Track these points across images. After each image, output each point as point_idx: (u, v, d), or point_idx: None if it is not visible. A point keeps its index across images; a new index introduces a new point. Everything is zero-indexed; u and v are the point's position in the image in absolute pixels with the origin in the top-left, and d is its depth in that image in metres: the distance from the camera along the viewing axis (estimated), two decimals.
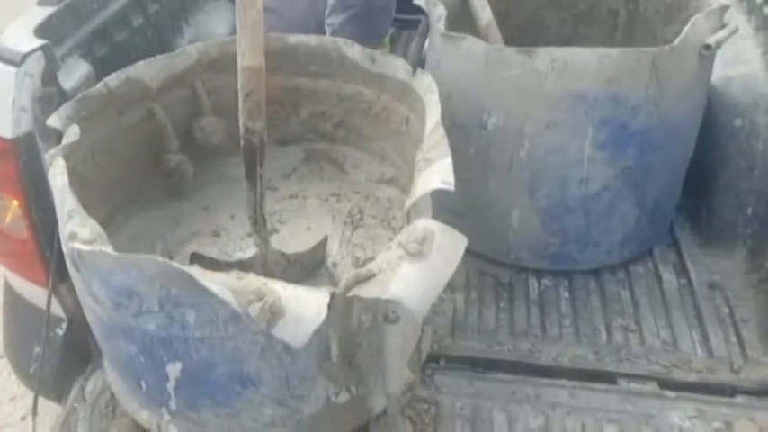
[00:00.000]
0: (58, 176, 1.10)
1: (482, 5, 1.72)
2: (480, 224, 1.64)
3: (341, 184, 1.59)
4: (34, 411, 1.35)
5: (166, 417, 1.22)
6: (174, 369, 1.10)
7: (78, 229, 1.02)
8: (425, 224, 1.06)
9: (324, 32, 1.87)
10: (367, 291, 1.00)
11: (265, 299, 0.94)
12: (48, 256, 1.30)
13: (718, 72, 1.71)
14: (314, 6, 1.85)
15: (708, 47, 1.47)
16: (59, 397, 1.44)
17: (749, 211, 1.68)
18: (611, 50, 1.37)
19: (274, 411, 1.18)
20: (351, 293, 1.00)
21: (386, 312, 1.12)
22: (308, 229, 1.50)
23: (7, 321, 1.52)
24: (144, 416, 1.26)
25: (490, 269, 1.69)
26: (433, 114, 1.22)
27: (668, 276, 1.66)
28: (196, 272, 0.94)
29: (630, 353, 1.47)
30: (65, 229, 1.03)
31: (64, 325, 1.40)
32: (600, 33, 1.93)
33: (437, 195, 1.09)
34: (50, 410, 1.61)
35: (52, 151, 1.14)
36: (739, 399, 1.39)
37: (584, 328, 1.53)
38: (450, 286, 1.64)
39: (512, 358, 1.47)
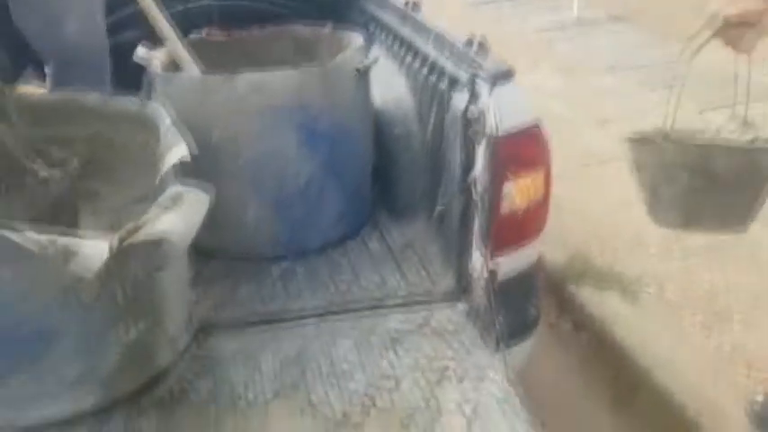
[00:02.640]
0: None
1: (189, 64, 2.16)
2: (228, 228, 2.01)
3: (100, 207, 1.87)
4: None
5: None
6: None
7: None
8: (174, 189, 1.44)
9: None
10: (138, 236, 1.33)
11: (59, 243, 1.23)
12: None
13: (381, 97, 2.33)
14: None
15: (358, 69, 2.07)
16: None
17: (416, 186, 2.27)
18: (293, 71, 1.89)
19: (76, 369, 1.41)
20: (126, 242, 1.33)
21: (157, 263, 1.45)
22: None
23: None
24: None
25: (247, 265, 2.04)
26: (165, 125, 1.61)
27: (374, 244, 2.18)
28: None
29: (353, 295, 1.93)
30: None
31: None
32: None
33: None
34: None
35: None
36: (432, 305, 1.91)
37: (315, 288, 1.96)
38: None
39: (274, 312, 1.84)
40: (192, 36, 2.32)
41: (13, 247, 1.21)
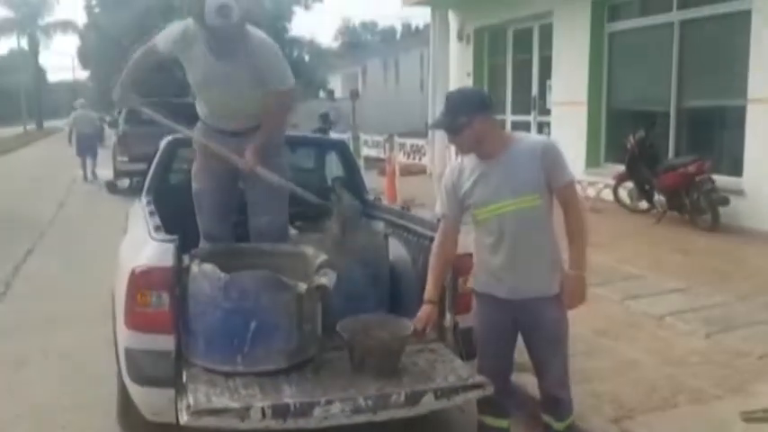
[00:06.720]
0: (200, 265, 3.31)
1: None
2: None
3: None
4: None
5: (239, 360, 3.28)
6: (252, 325, 3.25)
7: (220, 273, 3.23)
8: (324, 269, 3.52)
9: None
10: (313, 284, 3.37)
11: (293, 281, 3.26)
12: (176, 317, 3.36)
13: (391, 254, 4.47)
14: None
15: (385, 234, 4.24)
16: (172, 385, 3.31)
17: (414, 298, 4.31)
18: (358, 232, 4.04)
19: (279, 346, 3.34)
20: (309, 286, 3.36)
21: (317, 299, 3.46)
22: None
23: (136, 361, 3.39)
24: (225, 368, 3.28)
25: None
26: (311, 251, 3.71)
27: None
28: (272, 275, 3.24)
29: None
30: (215, 276, 3.23)
31: (173, 353, 3.36)
32: None
33: None
34: None
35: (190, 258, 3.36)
36: (428, 343, 3.86)
37: None
38: None
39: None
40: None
41: (283, 284, 3.23)
